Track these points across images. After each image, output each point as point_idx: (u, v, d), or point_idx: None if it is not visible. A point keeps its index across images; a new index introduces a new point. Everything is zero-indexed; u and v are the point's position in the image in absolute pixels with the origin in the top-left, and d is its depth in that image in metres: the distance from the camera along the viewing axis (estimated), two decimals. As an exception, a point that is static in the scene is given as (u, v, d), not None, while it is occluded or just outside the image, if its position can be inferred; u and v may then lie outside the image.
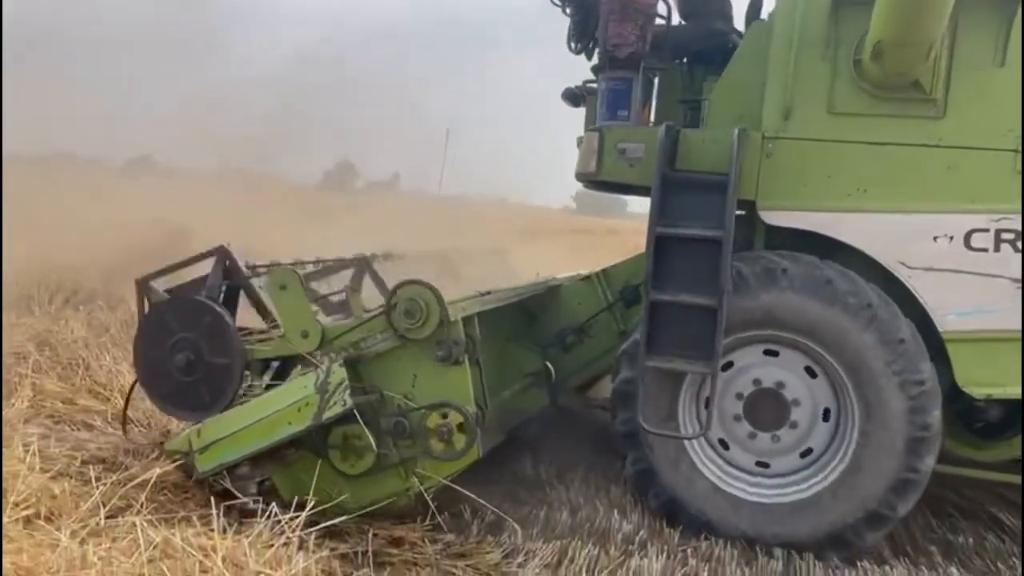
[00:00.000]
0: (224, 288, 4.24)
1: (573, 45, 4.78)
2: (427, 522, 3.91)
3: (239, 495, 3.80)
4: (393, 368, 3.94)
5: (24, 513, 3.18)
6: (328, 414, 3.70)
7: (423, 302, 3.79)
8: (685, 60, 5.30)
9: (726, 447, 4.40)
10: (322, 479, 3.94)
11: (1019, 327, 4.06)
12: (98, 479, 3.57)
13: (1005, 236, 4.06)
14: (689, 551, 3.99)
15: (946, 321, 4.15)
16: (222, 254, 4.16)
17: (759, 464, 4.37)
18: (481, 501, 4.10)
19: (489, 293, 4.57)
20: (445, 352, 3.80)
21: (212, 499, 3.60)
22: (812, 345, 4.13)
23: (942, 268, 4.14)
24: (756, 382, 4.32)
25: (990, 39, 4.07)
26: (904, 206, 4.18)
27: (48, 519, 3.23)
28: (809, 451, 4.30)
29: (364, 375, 3.96)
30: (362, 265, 5.37)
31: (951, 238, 4.12)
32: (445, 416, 3.79)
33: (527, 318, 5.33)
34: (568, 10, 4.63)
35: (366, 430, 3.75)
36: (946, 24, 3.67)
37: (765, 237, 4.54)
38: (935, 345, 4.15)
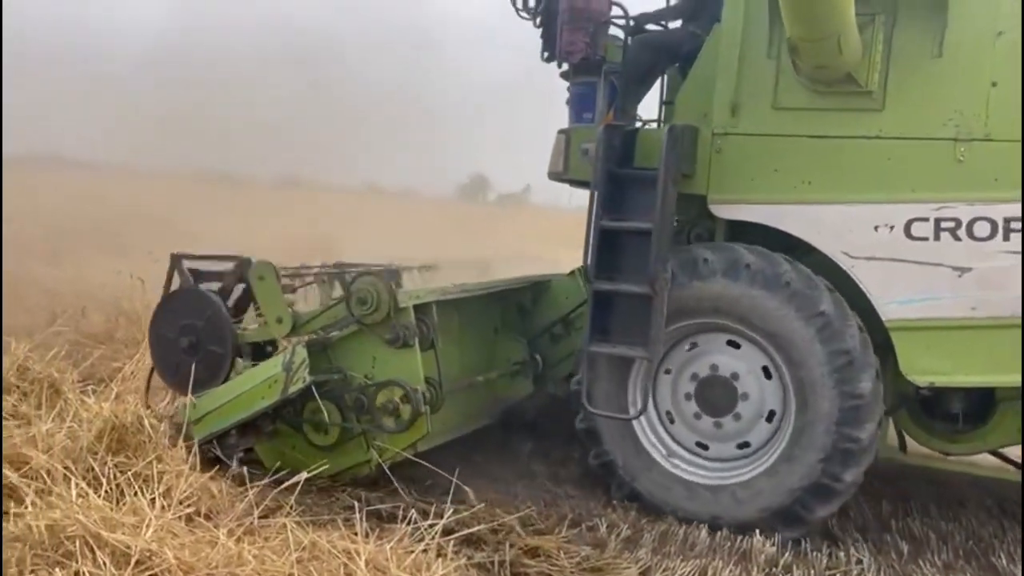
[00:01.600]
0: (242, 288, 4.85)
1: (544, 54, 5.10)
2: (564, 533, 3.95)
3: (227, 461, 4.33)
4: (356, 351, 4.39)
5: (187, 511, 3.37)
6: (292, 389, 4.19)
7: (375, 291, 4.23)
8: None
9: (672, 421, 4.58)
10: (299, 450, 4.45)
11: (961, 315, 4.09)
12: (251, 481, 3.81)
13: (945, 225, 4.09)
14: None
15: (888, 309, 4.21)
16: (242, 264, 4.74)
17: (698, 444, 4.53)
18: (616, 516, 4.27)
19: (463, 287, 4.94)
20: (393, 335, 4.22)
21: (356, 504, 3.87)
22: (736, 326, 4.29)
23: (883, 257, 4.21)
24: (713, 367, 4.49)
25: (927, 31, 4.12)
26: (845, 197, 4.28)
27: (207, 517, 3.46)
28: (747, 444, 4.43)
29: (333, 357, 4.43)
30: (393, 276, 5.85)
31: (891, 228, 4.18)
32: (392, 393, 4.21)
33: (519, 311, 5.66)
34: (536, 21, 4.95)
35: (322, 405, 4.21)
36: (850, 18, 3.77)
37: (727, 230, 4.71)
38: (882, 333, 4.23)
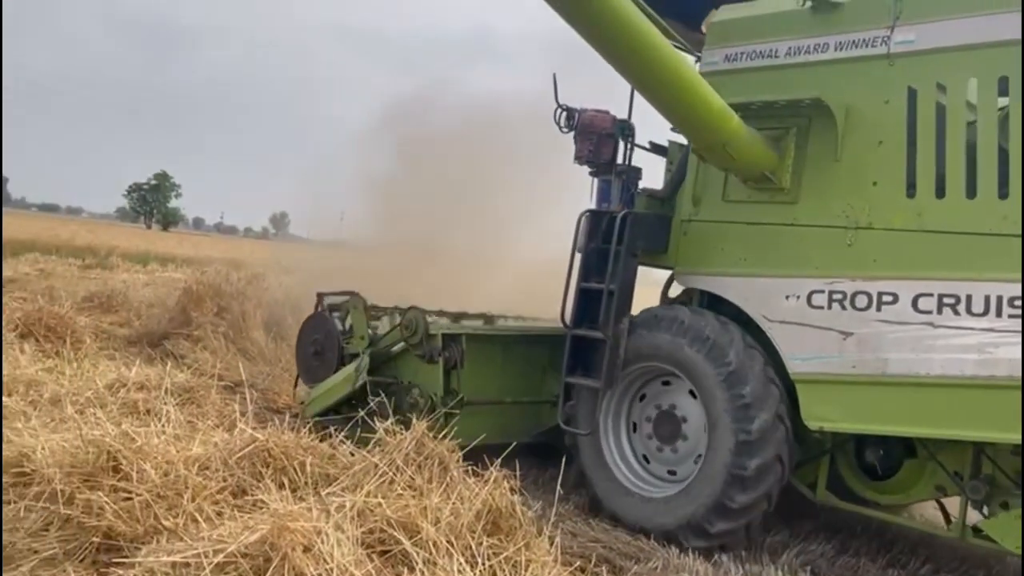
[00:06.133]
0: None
1: (576, 159, 6.64)
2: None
3: (328, 427, 6.30)
4: (404, 363, 6.20)
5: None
6: (358, 383, 6.11)
7: (416, 321, 6.04)
8: None
9: (648, 461, 5.73)
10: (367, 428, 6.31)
11: (844, 371, 4.89)
12: None
13: (835, 296, 4.97)
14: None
15: (792, 364, 5.11)
16: (357, 297, 6.83)
17: (670, 472, 5.61)
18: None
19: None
20: (423, 353, 5.98)
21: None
22: (671, 368, 5.40)
23: (791, 321, 5.14)
24: (658, 406, 5.65)
25: (828, 141, 5.10)
26: (767, 272, 5.29)
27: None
28: (700, 456, 5.43)
29: (393, 367, 6.29)
30: (487, 319, 7.66)
31: (798, 297, 5.12)
32: (416, 394, 5.94)
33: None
34: (565, 130, 6.50)
35: (369, 397, 6.02)
36: (732, 130, 4.90)
37: (702, 296, 5.85)
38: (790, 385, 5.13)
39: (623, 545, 5.04)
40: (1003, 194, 4.46)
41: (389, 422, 4.51)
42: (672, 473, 5.59)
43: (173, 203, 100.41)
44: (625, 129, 6.20)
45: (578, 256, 5.84)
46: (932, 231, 4.66)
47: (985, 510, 4.86)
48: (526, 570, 3.66)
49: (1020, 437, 4.38)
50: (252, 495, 3.87)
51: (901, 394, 4.70)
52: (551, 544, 3.95)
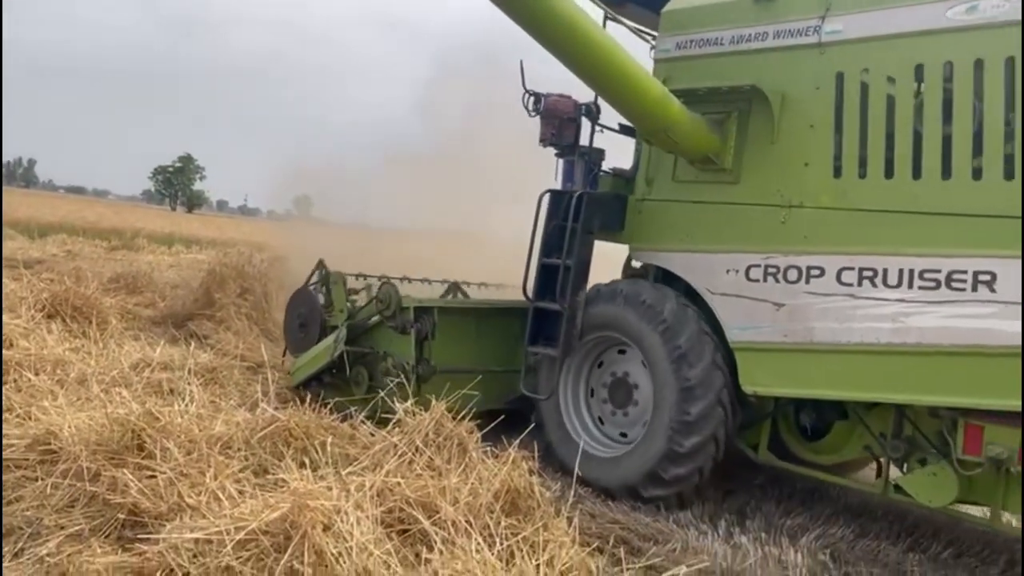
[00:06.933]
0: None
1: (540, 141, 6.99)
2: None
3: (310, 392, 6.73)
4: (380, 335, 6.63)
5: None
6: (335, 353, 6.56)
7: (389, 295, 6.46)
8: None
9: (602, 423, 6.15)
10: (347, 395, 6.74)
11: (776, 340, 5.27)
12: (626, 561, 4.05)
13: (770, 270, 5.33)
14: None
15: (732, 334, 5.49)
16: (320, 266, 7.28)
17: (622, 434, 6.04)
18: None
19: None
20: (396, 324, 6.40)
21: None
22: (620, 336, 5.79)
23: (731, 294, 5.52)
24: (613, 373, 6.06)
25: (766, 124, 5.44)
26: (710, 247, 5.66)
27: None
28: (647, 423, 5.85)
29: (369, 338, 6.73)
30: (454, 290, 8.10)
31: (737, 271, 5.49)
32: (389, 363, 6.37)
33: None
34: (532, 114, 6.84)
35: (347, 367, 6.46)
36: (673, 116, 5.26)
37: (656, 271, 6.24)
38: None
39: (642, 527, 5.13)
40: (916, 174, 4.79)
41: (409, 403, 4.52)
42: (623, 435, 6.01)
43: (198, 185, 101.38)
44: (589, 112, 6.55)
45: (540, 233, 6.23)
46: (854, 209, 5.01)
47: (905, 468, 5.24)
48: (544, 550, 3.66)
49: (931, 399, 4.78)
50: (273, 474, 3.93)
51: (826, 361, 5.07)
52: (569, 525, 3.95)
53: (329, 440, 4.36)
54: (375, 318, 6.67)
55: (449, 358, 6.61)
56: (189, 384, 5.01)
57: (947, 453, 4.82)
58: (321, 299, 7.25)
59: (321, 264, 7.30)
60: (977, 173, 4.61)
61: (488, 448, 4.32)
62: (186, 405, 4.52)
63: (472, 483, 3.90)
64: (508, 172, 11.23)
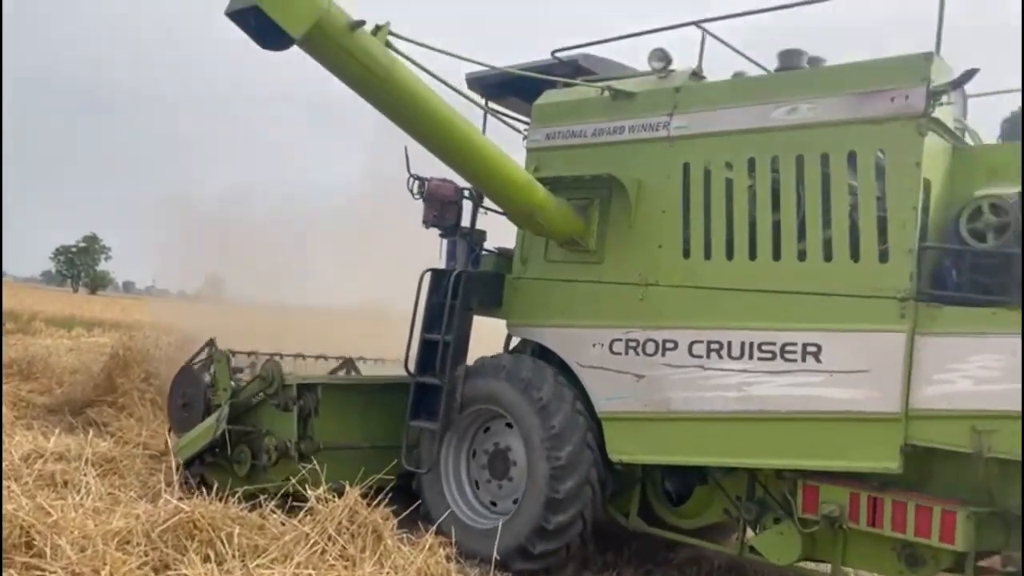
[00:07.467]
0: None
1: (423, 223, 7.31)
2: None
3: (191, 478, 6.71)
4: (263, 413, 6.70)
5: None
6: (218, 432, 6.57)
7: (272, 373, 6.56)
8: None
9: (478, 487, 6.32)
10: (230, 476, 6.74)
11: (637, 409, 5.61)
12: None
13: (631, 344, 5.72)
14: None
15: (599, 404, 5.82)
16: (210, 344, 7.34)
17: (492, 503, 6.21)
18: None
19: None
20: (278, 401, 6.49)
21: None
22: (499, 410, 6.04)
23: (597, 366, 5.87)
24: (496, 444, 6.27)
25: (624, 209, 5.90)
26: (578, 323, 6.03)
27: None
28: (518, 500, 6.05)
29: (256, 416, 6.77)
30: (348, 365, 8.23)
31: (602, 345, 5.85)
32: (271, 441, 6.43)
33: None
34: (416, 197, 7.18)
35: (228, 448, 6.48)
36: (539, 201, 5.68)
37: (534, 345, 6.54)
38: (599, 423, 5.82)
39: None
40: (752, 256, 5.29)
41: (321, 490, 4.46)
42: (493, 505, 6.19)
43: (102, 266, 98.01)
44: (472, 195, 6.93)
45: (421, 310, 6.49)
46: (701, 287, 5.46)
47: (759, 528, 5.58)
48: None
49: (774, 462, 5.17)
50: (175, 569, 3.82)
51: (682, 428, 5.44)
52: None
53: (236, 531, 4.23)
54: (259, 396, 6.74)
55: (334, 435, 6.71)
56: (85, 475, 4.83)
57: (791, 512, 5.19)
58: (208, 378, 7.27)
59: (211, 342, 7.34)
60: (802, 255, 5.13)
61: (404, 535, 4.26)
62: (81, 498, 4.37)
63: (387, 572, 3.84)
64: (412, 247, 11.65)
